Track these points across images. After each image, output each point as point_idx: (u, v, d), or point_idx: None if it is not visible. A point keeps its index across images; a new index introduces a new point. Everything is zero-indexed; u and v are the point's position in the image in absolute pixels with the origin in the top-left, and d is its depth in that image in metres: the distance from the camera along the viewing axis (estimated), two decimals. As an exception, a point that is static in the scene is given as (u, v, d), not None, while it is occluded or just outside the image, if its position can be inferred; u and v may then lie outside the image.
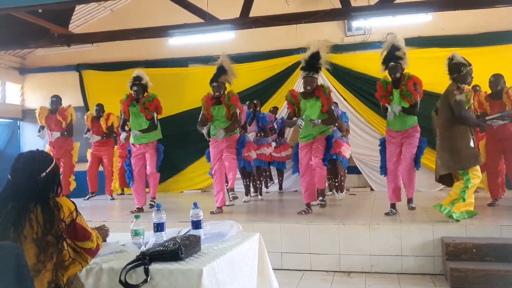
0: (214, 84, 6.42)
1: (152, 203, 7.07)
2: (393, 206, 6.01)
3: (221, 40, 9.22)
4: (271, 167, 9.17)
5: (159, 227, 2.88)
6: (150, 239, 2.88)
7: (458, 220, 5.23)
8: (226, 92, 6.50)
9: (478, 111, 6.62)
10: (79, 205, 2.55)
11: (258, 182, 8.33)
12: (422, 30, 9.06)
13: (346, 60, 9.56)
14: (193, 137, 9.71)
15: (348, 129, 8.14)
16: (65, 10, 8.32)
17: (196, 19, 7.83)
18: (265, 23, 7.51)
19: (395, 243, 5.20)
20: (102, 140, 9.09)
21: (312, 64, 6.13)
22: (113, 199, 9.30)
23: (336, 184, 7.54)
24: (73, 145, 8.51)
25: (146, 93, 6.90)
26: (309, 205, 6.29)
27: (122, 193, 10.01)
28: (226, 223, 3.22)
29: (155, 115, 6.85)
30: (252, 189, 8.33)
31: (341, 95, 9.47)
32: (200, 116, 6.62)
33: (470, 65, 5.44)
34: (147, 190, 7.18)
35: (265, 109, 9.45)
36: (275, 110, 9.27)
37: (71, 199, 2.52)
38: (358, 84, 9.47)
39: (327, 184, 8.02)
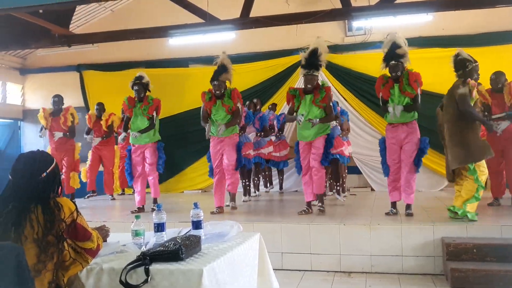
0: (215, 82, 6.41)
1: (154, 207, 7.03)
2: (393, 205, 6.01)
3: (221, 40, 9.22)
4: (271, 168, 9.17)
5: (159, 227, 2.88)
6: (151, 239, 2.89)
7: (474, 220, 5.23)
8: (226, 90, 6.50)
9: (480, 104, 6.59)
10: (80, 205, 2.55)
11: (256, 179, 8.33)
12: (422, 30, 9.06)
13: (346, 60, 9.56)
14: (194, 137, 9.74)
15: (348, 128, 8.12)
16: (65, 11, 8.33)
17: (197, 19, 7.83)
18: (266, 23, 7.51)
19: (396, 243, 5.20)
20: (102, 141, 9.10)
21: (312, 61, 6.13)
22: (114, 199, 9.30)
23: (338, 187, 7.51)
24: (74, 145, 8.50)
25: (148, 92, 6.90)
26: (309, 204, 6.30)
27: (123, 193, 10.01)
28: (227, 223, 3.22)
29: (155, 115, 6.83)
30: (253, 189, 8.33)
31: (341, 95, 9.46)
32: (201, 112, 6.62)
33: (475, 62, 5.44)
34: (148, 190, 7.17)
35: (265, 108, 9.44)
36: (274, 106, 9.25)
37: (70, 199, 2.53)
38: (358, 84, 9.46)
39: (327, 184, 8.02)
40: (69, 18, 8.77)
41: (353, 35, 9.70)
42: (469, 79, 5.35)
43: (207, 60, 9.78)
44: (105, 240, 2.86)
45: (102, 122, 9.07)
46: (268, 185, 9.20)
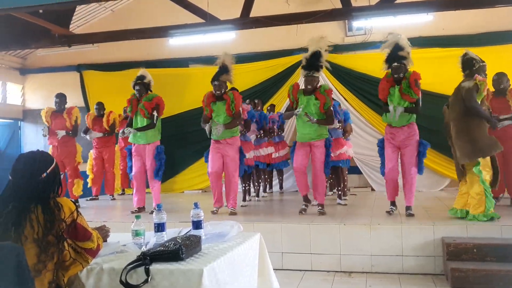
0: (216, 82, 6.38)
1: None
2: (393, 203, 6.02)
3: (221, 40, 9.22)
4: (272, 171, 9.16)
5: (159, 227, 2.88)
6: (151, 239, 2.89)
7: (498, 217, 5.25)
8: (226, 91, 6.47)
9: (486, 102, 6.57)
10: (81, 206, 2.56)
11: (256, 183, 8.30)
12: (422, 30, 9.05)
13: (346, 60, 9.56)
14: (194, 137, 9.74)
15: (351, 129, 8.09)
16: (65, 11, 8.32)
17: (197, 19, 7.83)
18: (266, 23, 7.51)
19: (396, 243, 5.20)
20: (103, 139, 9.07)
21: (313, 62, 6.12)
22: (114, 199, 9.30)
23: (340, 191, 7.51)
24: (76, 148, 8.38)
25: (149, 91, 6.85)
26: (306, 198, 6.34)
27: (123, 193, 10.01)
28: (227, 223, 3.22)
29: (155, 114, 6.72)
30: (252, 189, 8.31)
31: (341, 95, 9.46)
32: (203, 115, 6.61)
33: (483, 61, 5.43)
34: (148, 190, 7.16)
35: (264, 108, 9.44)
36: (272, 108, 9.25)
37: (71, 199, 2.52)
38: (358, 84, 9.46)
39: (328, 184, 8.02)
40: (69, 18, 8.77)
41: (353, 35, 9.70)
42: (477, 75, 5.33)
43: (207, 60, 9.80)
44: (105, 240, 2.86)
45: (104, 120, 9.06)
46: (268, 189, 9.18)
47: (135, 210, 6.87)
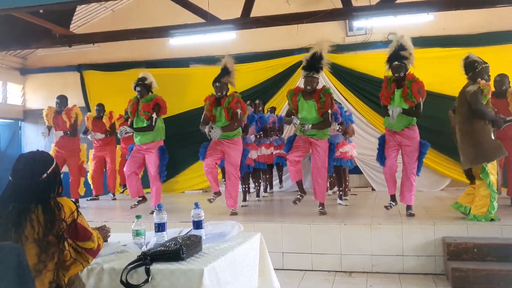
0: (217, 84, 6.37)
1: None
2: (392, 198, 6.03)
3: (222, 40, 9.22)
4: (272, 171, 9.16)
5: (160, 227, 2.88)
6: (151, 239, 2.89)
7: (498, 220, 5.26)
8: (228, 94, 6.43)
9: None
10: (80, 206, 2.56)
11: (257, 184, 8.30)
12: (423, 30, 9.05)
13: (347, 60, 9.54)
14: (195, 137, 9.70)
15: (353, 130, 8.08)
16: (66, 11, 8.32)
17: (197, 19, 7.83)
18: (266, 23, 7.50)
19: (396, 243, 5.20)
20: (104, 139, 9.07)
21: (313, 64, 6.12)
22: (115, 198, 9.31)
23: (341, 192, 7.50)
24: (79, 146, 8.36)
25: (150, 93, 6.81)
26: (300, 186, 6.32)
27: (124, 190, 10.00)
28: (227, 223, 3.22)
29: (154, 116, 6.64)
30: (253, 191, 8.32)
31: (342, 95, 9.45)
32: (203, 116, 6.59)
33: (485, 63, 5.43)
34: (147, 190, 7.15)
35: (265, 110, 9.44)
36: (273, 110, 9.25)
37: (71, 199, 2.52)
38: (359, 84, 9.45)
39: (328, 183, 8.02)
40: (70, 18, 8.76)
41: (354, 35, 9.70)
42: (479, 78, 5.33)
43: (207, 60, 9.80)
44: (106, 240, 2.86)
45: (105, 121, 9.06)
46: (268, 189, 9.17)
47: (135, 204, 6.83)
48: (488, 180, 5.21)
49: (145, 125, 6.66)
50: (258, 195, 8.26)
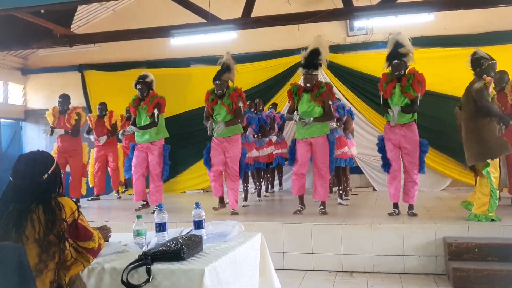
0: (217, 82, 6.41)
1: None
2: (395, 206, 6.00)
3: (223, 40, 9.22)
4: (274, 170, 9.15)
5: (161, 227, 2.88)
6: (152, 239, 2.89)
7: (499, 220, 5.24)
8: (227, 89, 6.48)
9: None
10: (82, 206, 2.56)
11: (258, 183, 8.30)
12: (424, 30, 9.04)
13: (348, 60, 9.55)
14: (196, 137, 9.73)
15: (351, 125, 8.06)
16: (67, 11, 8.32)
17: (198, 19, 7.82)
18: (267, 23, 7.50)
19: (397, 243, 5.20)
20: (106, 140, 9.09)
21: (311, 61, 6.13)
22: (120, 197, 9.31)
23: (341, 191, 7.49)
24: (81, 146, 8.36)
25: (151, 91, 6.80)
26: (301, 200, 6.34)
27: (126, 190, 10.00)
28: (228, 223, 3.22)
29: (156, 112, 6.67)
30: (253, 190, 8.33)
31: (343, 95, 9.45)
32: (205, 111, 6.62)
33: (492, 60, 5.42)
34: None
35: (266, 107, 9.44)
36: (274, 106, 9.25)
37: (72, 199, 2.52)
38: (360, 84, 9.45)
39: (330, 180, 8.01)
40: (71, 18, 8.76)
41: (355, 35, 9.69)
42: (485, 75, 5.33)
43: (208, 60, 9.81)
44: (106, 240, 2.86)
45: (106, 121, 9.07)
46: (270, 188, 9.17)
47: (139, 208, 6.83)
48: (489, 177, 5.21)
49: (146, 122, 6.68)
50: (259, 195, 8.26)
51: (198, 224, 2.97)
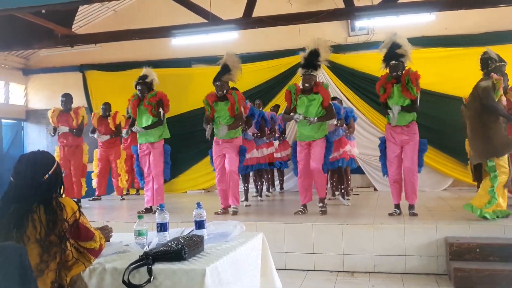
0: (217, 83, 6.41)
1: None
2: (397, 206, 5.99)
3: (224, 40, 9.22)
4: (274, 170, 9.15)
5: (162, 227, 2.88)
6: (153, 239, 2.89)
7: (493, 219, 5.24)
8: (230, 90, 6.49)
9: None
10: (83, 206, 2.56)
11: (259, 183, 8.30)
12: (425, 30, 9.04)
13: (349, 60, 9.55)
14: (197, 137, 9.71)
15: (353, 127, 8.06)
16: (68, 11, 8.31)
17: (199, 19, 7.82)
18: (268, 23, 7.49)
19: (399, 243, 5.19)
20: (109, 140, 9.08)
21: (311, 61, 6.14)
22: (123, 199, 9.31)
23: (343, 190, 7.49)
24: (82, 148, 8.36)
25: (151, 91, 6.80)
26: (305, 206, 6.31)
27: (127, 193, 10.01)
28: (230, 223, 3.22)
29: (161, 111, 6.69)
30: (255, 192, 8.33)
31: (344, 95, 9.45)
32: (205, 116, 6.63)
33: (501, 61, 5.41)
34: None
35: (268, 109, 9.44)
36: (276, 108, 9.25)
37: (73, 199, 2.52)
38: (361, 84, 9.44)
39: (331, 187, 8.01)
40: (72, 18, 8.75)
41: (356, 35, 9.70)
42: (493, 73, 5.31)
43: (210, 60, 9.78)
44: (108, 240, 2.86)
45: (110, 121, 9.07)
46: (271, 188, 9.17)
47: (142, 211, 6.83)
48: (494, 173, 5.19)
49: (150, 122, 6.67)
50: (260, 195, 8.26)
51: (200, 224, 2.97)
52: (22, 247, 2.09)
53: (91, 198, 9.14)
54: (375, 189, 9.30)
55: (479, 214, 5.25)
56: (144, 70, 6.95)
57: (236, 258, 2.75)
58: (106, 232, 2.89)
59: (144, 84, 6.73)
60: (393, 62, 5.75)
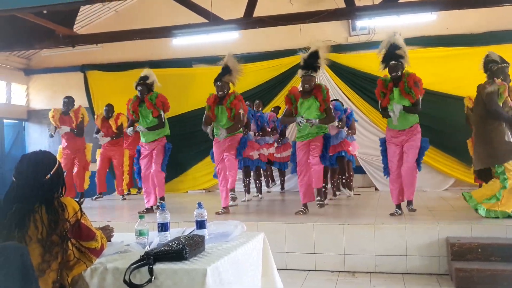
0: (218, 83, 6.44)
1: (159, 204, 6.98)
2: (398, 207, 5.98)
3: (225, 40, 9.23)
4: (272, 167, 9.15)
5: (163, 227, 2.88)
6: (155, 239, 2.89)
7: (483, 216, 5.25)
8: (229, 93, 6.51)
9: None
10: (85, 206, 2.57)
11: (258, 181, 8.32)
12: (426, 30, 9.04)
13: (350, 60, 9.54)
14: (198, 137, 9.71)
15: (355, 128, 8.06)
16: (69, 11, 8.33)
17: (200, 19, 7.82)
18: (269, 23, 7.49)
19: (400, 243, 5.19)
20: (112, 141, 9.09)
21: (310, 63, 6.14)
22: (125, 199, 9.32)
23: (344, 181, 7.52)
24: (85, 145, 8.45)
25: (151, 92, 6.84)
26: (306, 205, 6.30)
27: (129, 193, 10.02)
28: (231, 223, 3.23)
29: (162, 113, 6.75)
30: (255, 189, 8.34)
31: (345, 95, 9.45)
32: (204, 116, 6.65)
33: (504, 62, 5.39)
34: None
35: (268, 109, 9.44)
36: (276, 109, 9.25)
37: (75, 199, 2.53)
38: (362, 84, 9.43)
39: (333, 183, 8.02)
40: (73, 18, 8.77)
41: (357, 34, 9.69)
42: (495, 78, 5.30)
43: (210, 60, 9.78)
44: (109, 240, 2.87)
45: (112, 123, 9.08)
46: (270, 183, 9.16)
47: (143, 211, 6.84)
48: (503, 177, 5.17)
49: (152, 121, 6.74)
50: (260, 192, 8.29)
51: (201, 224, 2.98)
52: (23, 247, 2.09)
53: (94, 197, 9.15)
54: (376, 189, 9.30)
55: (473, 206, 5.25)
56: (144, 71, 6.96)
57: (237, 258, 2.75)
58: (107, 232, 2.90)
59: (145, 85, 6.76)
60: (393, 62, 5.73)
